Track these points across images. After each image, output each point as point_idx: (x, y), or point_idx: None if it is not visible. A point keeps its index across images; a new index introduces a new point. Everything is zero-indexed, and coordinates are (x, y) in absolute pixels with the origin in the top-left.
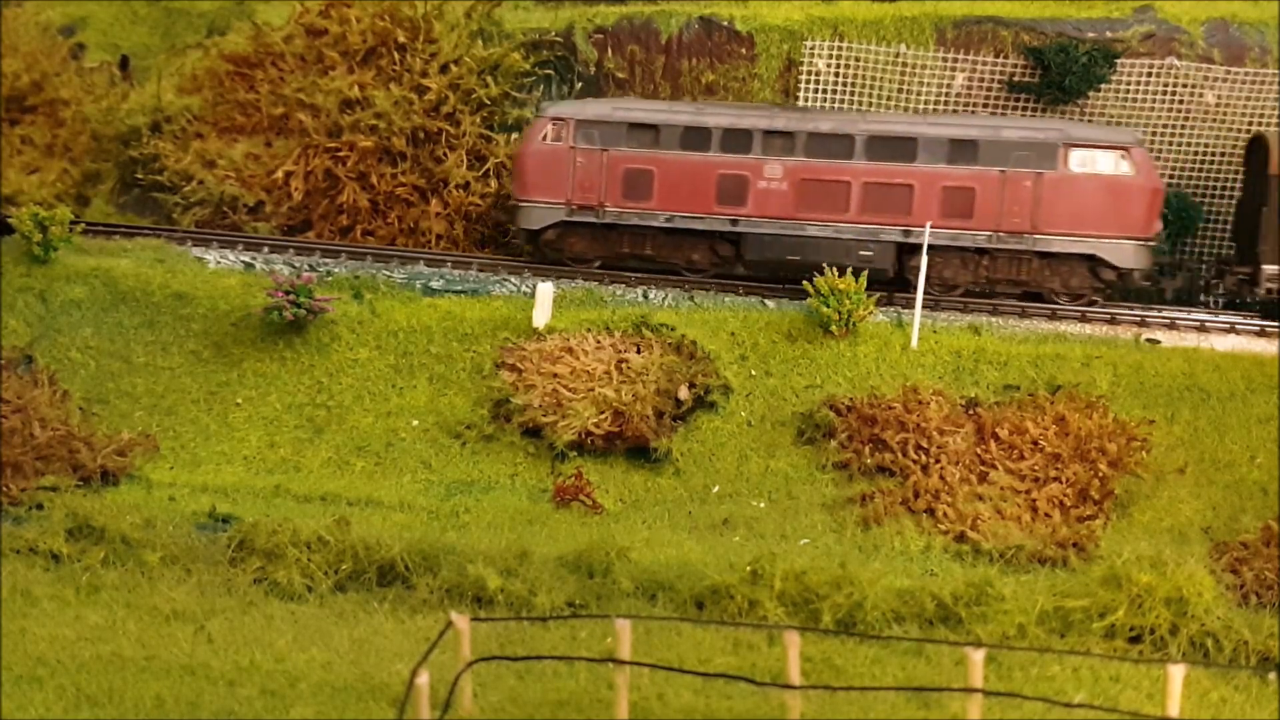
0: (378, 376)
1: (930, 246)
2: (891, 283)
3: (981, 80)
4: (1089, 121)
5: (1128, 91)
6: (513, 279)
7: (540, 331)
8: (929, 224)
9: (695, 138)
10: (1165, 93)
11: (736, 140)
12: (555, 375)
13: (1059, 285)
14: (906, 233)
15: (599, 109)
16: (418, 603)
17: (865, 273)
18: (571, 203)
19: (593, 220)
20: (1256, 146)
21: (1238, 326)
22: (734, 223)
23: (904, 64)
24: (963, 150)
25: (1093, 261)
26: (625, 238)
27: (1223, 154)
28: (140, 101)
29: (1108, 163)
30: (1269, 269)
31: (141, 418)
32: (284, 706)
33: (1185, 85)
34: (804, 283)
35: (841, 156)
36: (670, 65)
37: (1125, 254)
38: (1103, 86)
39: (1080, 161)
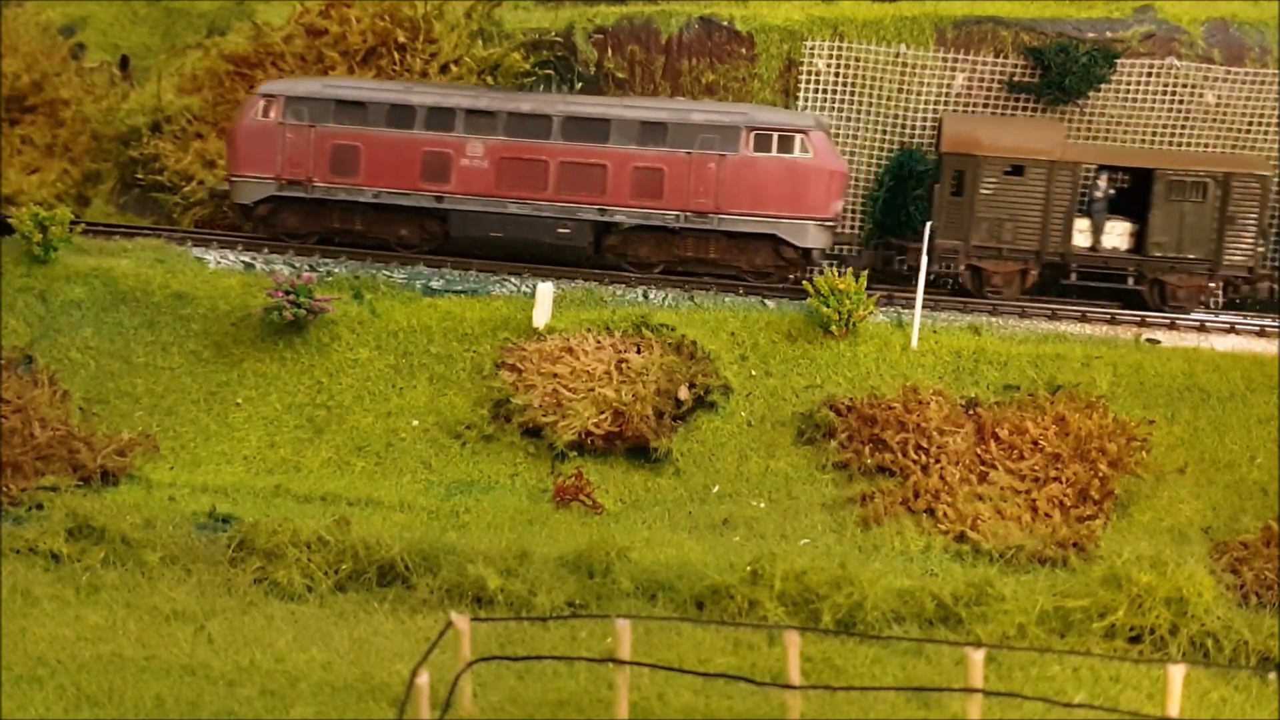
0: (378, 376)
1: (624, 226)
2: (592, 261)
3: (981, 80)
4: (781, 107)
5: (1128, 91)
6: (513, 279)
7: (540, 331)
8: (930, 225)
9: (401, 116)
10: (1165, 93)
11: (440, 119)
12: (555, 375)
13: (745, 264)
14: (602, 211)
15: (309, 86)
16: (418, 603)
17: (865, 273)
18: (281, 177)
19: (302, 195)
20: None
21: (1238, 326)
22: (439, 200)
23: (904, 64)
24: (652, 132)
25: (775, 241)
26: (335, 213)
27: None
28: (140, 101)
29: (787, 146)
30: (942, 244)
31: (141, 418)
32: (284, 706)
33: (1185, 85)
34: (804, 283)
35: (540, 136)
36: (670, 65)
37: (805, 234)
38: (1103, 86)
39: (761, 144)
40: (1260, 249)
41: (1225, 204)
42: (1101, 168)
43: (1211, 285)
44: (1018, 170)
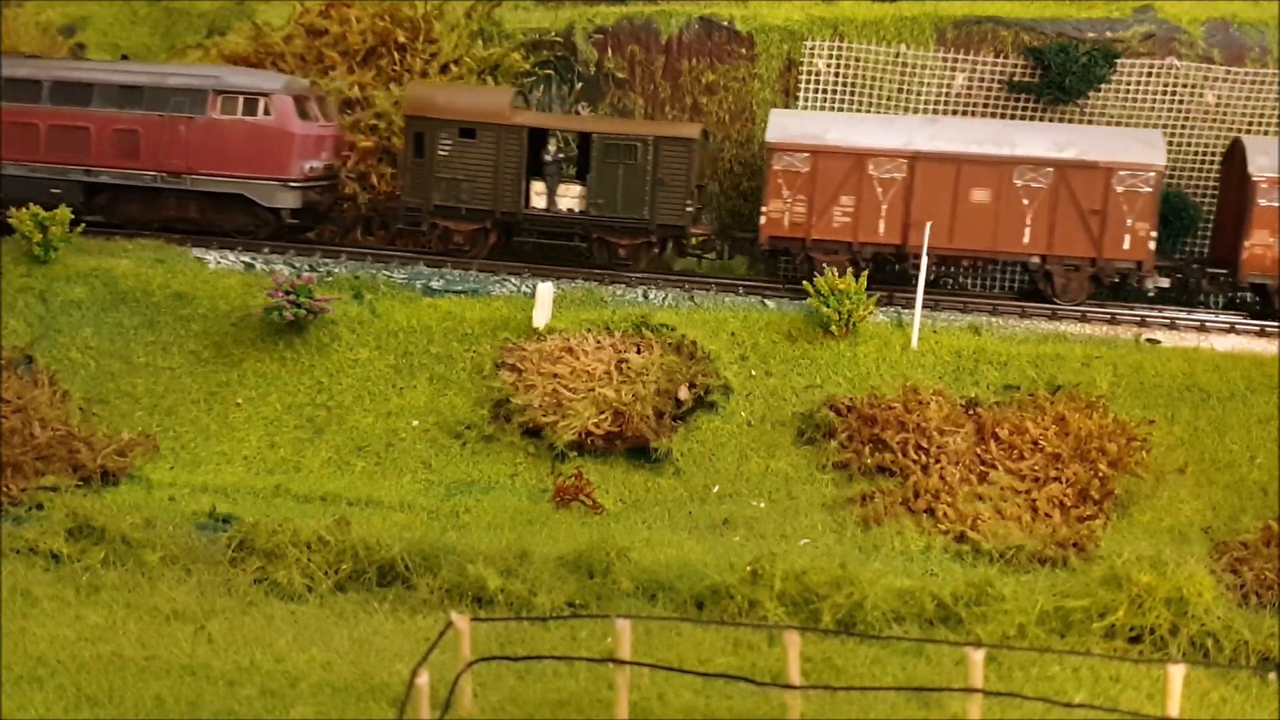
0: (378, 376)
1: (109, 186)
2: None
3: (981, 80)
4: (271, 72)
5: (1128, 91)
6: (513, 279)
7: (540, 331)
8: (929, 224)
9: None
10: (1165, 93)
11: None
12: (555, 375)
13: (227, 224)
14: (88, 172)
15: None
16: (418, 603)
17: (865, 273)
18: None
19: None
20: None
21: (1238, 326)
22: None
23: (904, 64)
24: (130, 96)
25: (246, 201)
26: None
27: (1223, 154)
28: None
29: (252, 108)
30: (408, 203)
31: (141, 418)
32: (284, 706)
33: (1185, 85)
34: (804, 283)
35: (30, 100)
36: (670, 65)
37: (270, 194)
38: (1103, 86)
39: (227, 107)
40: (690, 209)
41: (656, 167)
42: (550, 132)
43: (652, 243)
44: (470, 133)
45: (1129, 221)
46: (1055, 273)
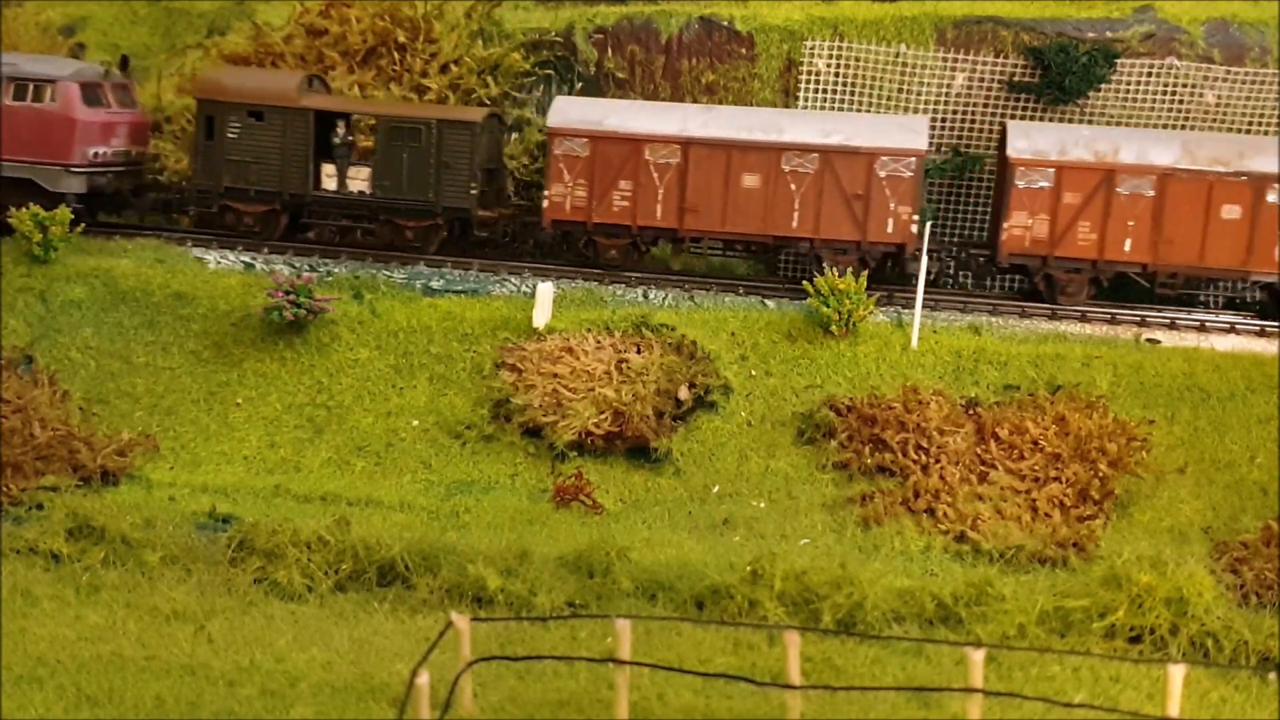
0: (378, 376)
1: None
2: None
3: (981, 80)
4: (83, 63)
5: (1128, 91)
6: (513, 279)
7: (540, 331)
8: (929, 224)
9: None
10: (1165, 93)
11: None
12: (555, 375)
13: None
14: None
15: None
16: (418, 603)
17: (865, 273)
18: None
19: None
20: None
21: (1238, 326)
22: None
23: (904, 64)
24: None
25: (33, 185)
26: None
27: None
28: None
29: (40, 95)
30: (199, 185)
31: (141, 418)
32: (284, 706)
33: (1185, 85)
34: (804, 283)
35: None
36: (670, 65)
37: (55, 179)
38: (1103, 86)
39: (19, 93)
40: (474, 191)
41: (441, 150)
42: (338, 114)
43: (439, 225)
44: (258, 115)
45: (892, 205)
46: (824, 256)
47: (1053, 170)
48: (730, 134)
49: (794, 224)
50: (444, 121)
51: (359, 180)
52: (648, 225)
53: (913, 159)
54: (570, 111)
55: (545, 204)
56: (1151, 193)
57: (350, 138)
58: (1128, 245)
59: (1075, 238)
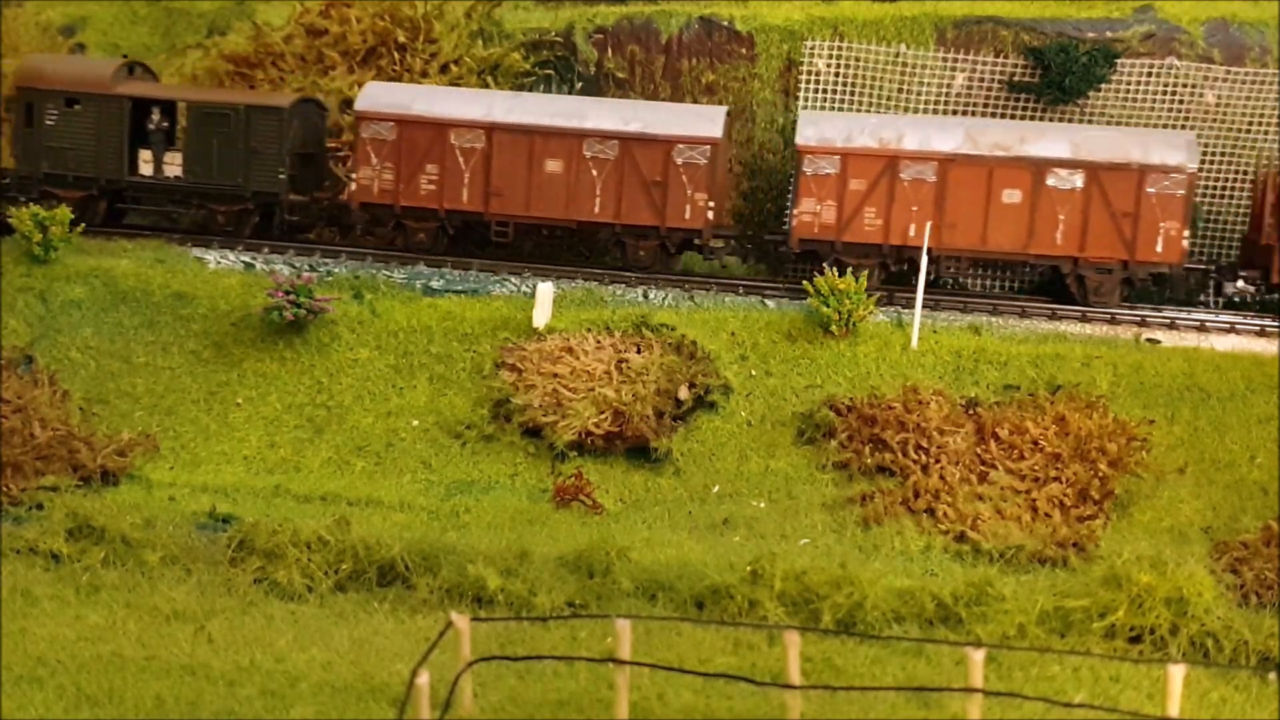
0: (378, 376)
1: None
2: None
3: (981, 80)
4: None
5: (1128, 91)
6: (513, 279)
7: (540, 331)
8: (929, 224)
9: None
10: (1165, 93)
11: None
12: (555, 375)
13: None
14: None
15: None
16: (418, 603)
17: (865, 274)
18: None
19: None
20: None
21: (1238, 326)
22: None
23: (904, 64)
24: None
25: None
26: None
27: (1223, 154)
28: None
29: None
30: (20, 172)
31: (141, 418)
32: (284, 706)
33: (1185, 85)
34: (804, 283)
35: None
36: (670, 65)
37: None
38: (1103, 86)
39: None
40: (283, 176)
41: (250, 135)
42: (153, 101)
43: (250, 210)
44: (74, 102)
45: (689, 192)
46: (628, 243)
47: (839, 157)
48: (533, 120)
49: (596, 209)
50: (252, 107)
51: (174, 165)
52: (454, 209)
53: (708, 147)
54: (378, 96)
55: (353, 187)
56: (934, 178)
57: (165, 124)
58: (912, 230)
59: (862, 223)
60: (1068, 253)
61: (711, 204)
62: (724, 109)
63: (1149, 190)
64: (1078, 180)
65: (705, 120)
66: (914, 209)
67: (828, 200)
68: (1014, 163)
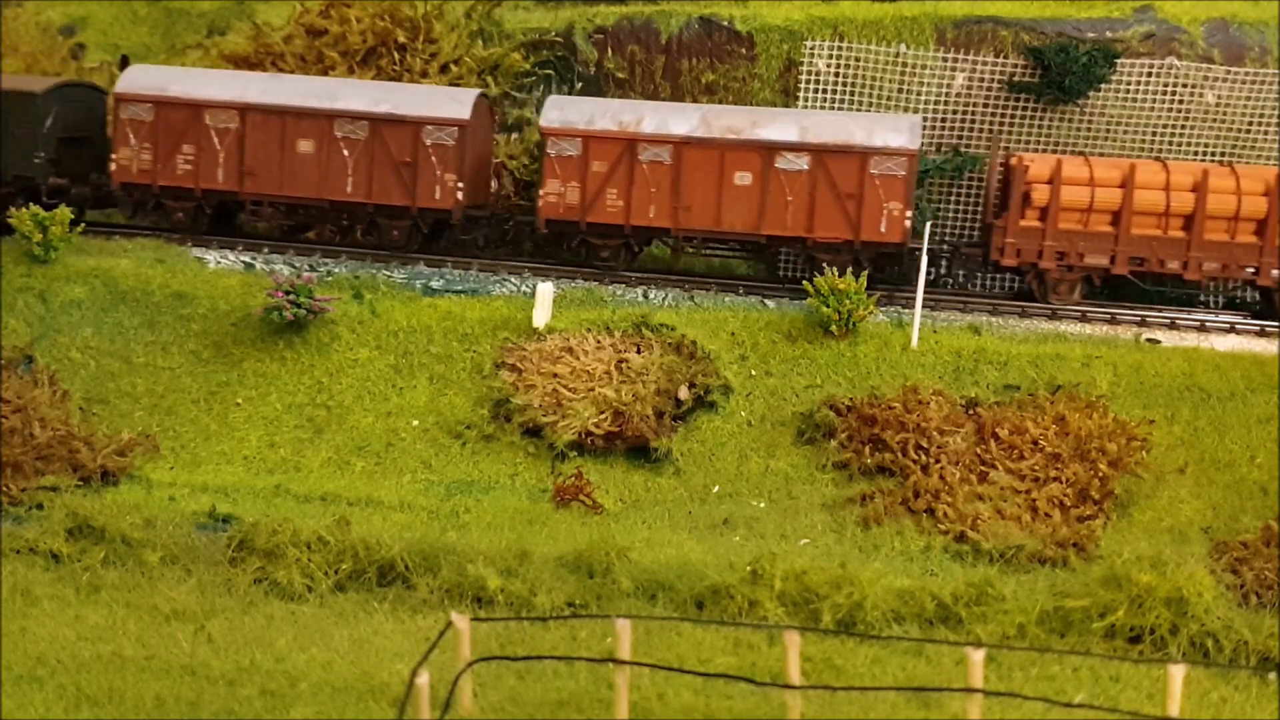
0: (378, 376)
1: None
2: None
3: (981, 80)
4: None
5: (1128, 91)
6: (513, 279)
7: (540, 331)
8: (929, 224)
9: None
10: (1165, 93)
11: None
12: (555, 375)
13: None
14: None
15: None
16: (418, 603)
17: (866, 273)
18: None
19: None
20: None
21: (1238, 326)
22: None
23: (904, 64)
24: None
25: None
26: None
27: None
28: None
29: None
30: None
31: (141, 418)
32: (284, 706)
33: (1185, 85)
34: (804, 283)
35: None
36: (670, 65)
37: None
38: (1103, 86)
39: None
40: (39, 159)
41: (4, 119)
42: None
43: (10, 194)
44: None
45: (438, 172)
46: (381, 223)
47: (580, 140)
48: (285, 101)
49: (349, 189)
50: (5, 92)
51: None
52: (210, 188)
53: (455, 128)
54: (137, 78)
55: (113, 167)
56: (670, 161)
57: None
58: (652, 211)
59: (605, 204)
60: (797, 233)
61: (462, 184)
62: (476, 91)
63: (872, 172)
64: (804, 163)
65: (454, 102)
66: (653, 190)
67: (571, 181)
68: (745, 146)
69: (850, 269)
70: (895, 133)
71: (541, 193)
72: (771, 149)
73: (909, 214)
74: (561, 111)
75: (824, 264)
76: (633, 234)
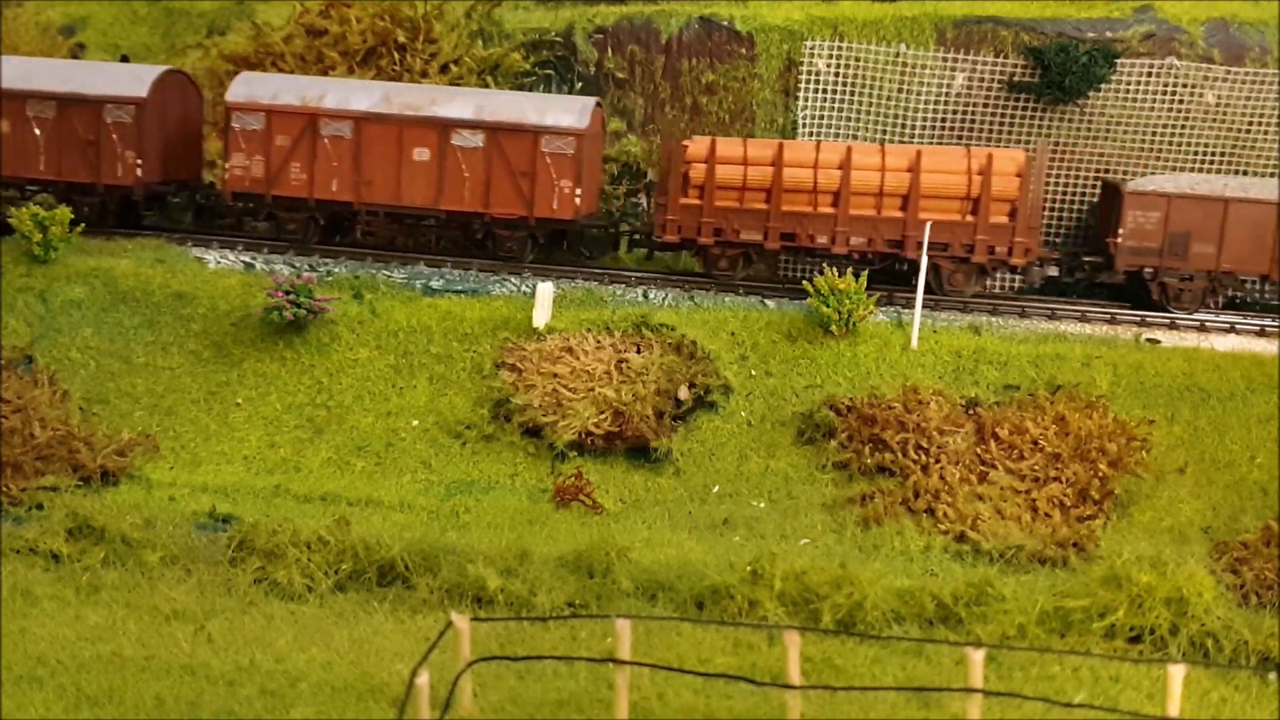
0: (378, 376)
1: None
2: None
3: (981, 80)
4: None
5: (1128, 91)
6: (513, 279)
7: (540, 331)
8: (929, 223)
9: None
10: (1165, 93)
11: None
12: (555, 375)
13: None
14: None
15: None
16: (418, 603)
17: (865, 273)
18: None
19: None
20: None
21: (1238, 326)
22: None
23: (904, 64)
24: None
25: None
26: None
27: (1223, 154)
28: None
29: None
30: None
31: (141, 418)
32: (284, 706)
33: (1185, 85)
34: (804, 283)
35: None
36: (670, 65)
37: None
38: (1103, 86)
39: None
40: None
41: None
42: None
43: None
44: None
45: (119, 150)
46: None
47: (264, 114)
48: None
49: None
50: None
51: None
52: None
53: (132, 106)
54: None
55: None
56: (351, 136)
57: None
58: (335, 185)
59: (289, 177)
60: (475, 208)
61: (580, 193)
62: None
63: (544, 150)
64: (479, 140)
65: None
66: (335, 165)
67: (256, 155)
68: (422, 122)
69: (528, 244)
70: (566, 113)
71: (228, 165)
72: (448, 126)
73: (579, 191)
74: (248, 87)
75: (503, 239)
76: (317, 208)
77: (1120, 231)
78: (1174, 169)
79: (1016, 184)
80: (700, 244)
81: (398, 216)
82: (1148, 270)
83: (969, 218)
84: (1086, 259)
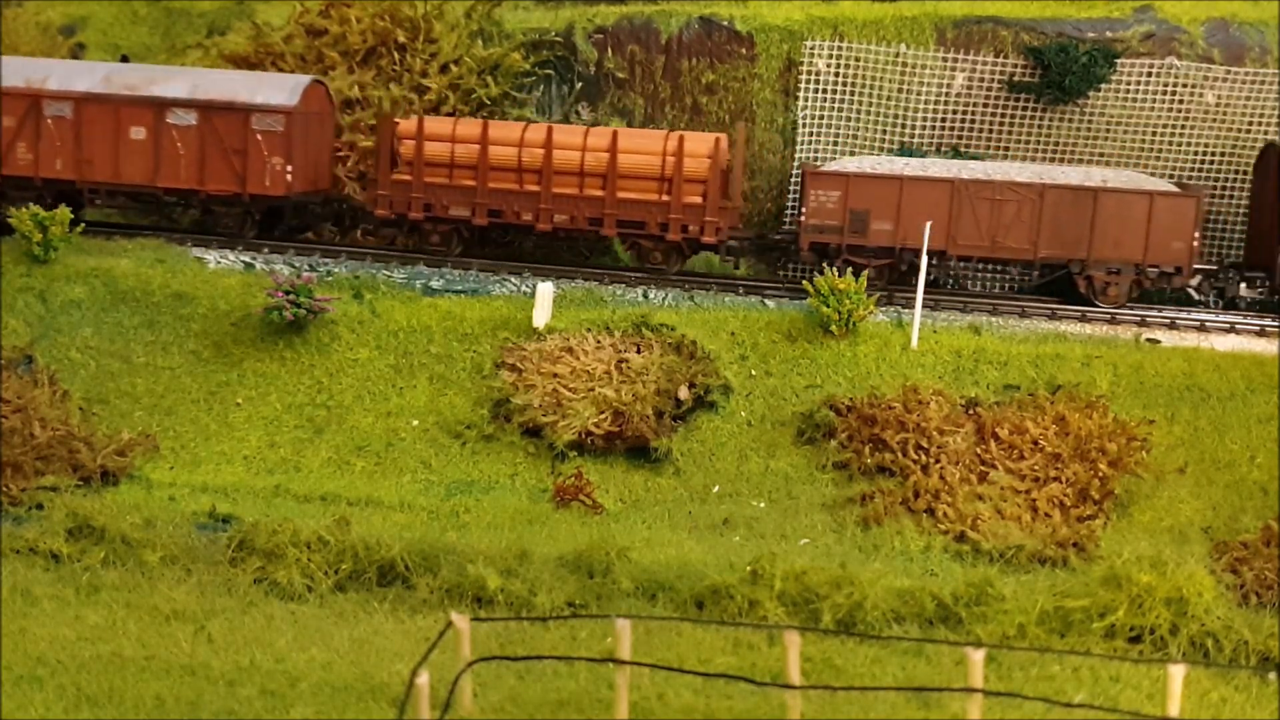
0: (378, 376)
1: None
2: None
3: (981, 80)
4: None
5: (1128, 91)
6: (513, 279)
7: (540, 331)
8: (929, 224)
9: None
10: (1165, 93)
11: None
12: (555, 375)
13: None
14: None
15: None
16: (418, 603)
17: (865, 273)
18: None
19: None
20: None
21: (1238, 326)
22: None
23: (904, 64)
24: None
25: None
26: None
27: (1223, 154)
28: None
29: None
30: None
31: (141, 418)
32: (284, 706)
33: (1185, 85)
34: (804, 282)
35: None
36: (670, 65)
37: None
38: (1103, 86)
39: None
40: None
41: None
42: None
43: None
44: None
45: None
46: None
47: None
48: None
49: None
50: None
51: None
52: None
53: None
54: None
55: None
56: (71, 116)
57: None
58: (59, 164)
59: (16, 158)
60: (191, 185)
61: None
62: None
63: (255, 128)
64: (193, 118)
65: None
66: (58, 144)
67: None
68: (138, 102)
69: (245, 220)
70: (278, 91)
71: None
72: (162, 105)
73: (289, 169)
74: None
75: (220, 215)
76: (44, 186)
77: (804, 210)
78: (1174, 169)
79: (708, 165)
80: (411, 219)
81: (123, 193)
82: (833, 247)
83: (664, 197)
84: (776, 236)
